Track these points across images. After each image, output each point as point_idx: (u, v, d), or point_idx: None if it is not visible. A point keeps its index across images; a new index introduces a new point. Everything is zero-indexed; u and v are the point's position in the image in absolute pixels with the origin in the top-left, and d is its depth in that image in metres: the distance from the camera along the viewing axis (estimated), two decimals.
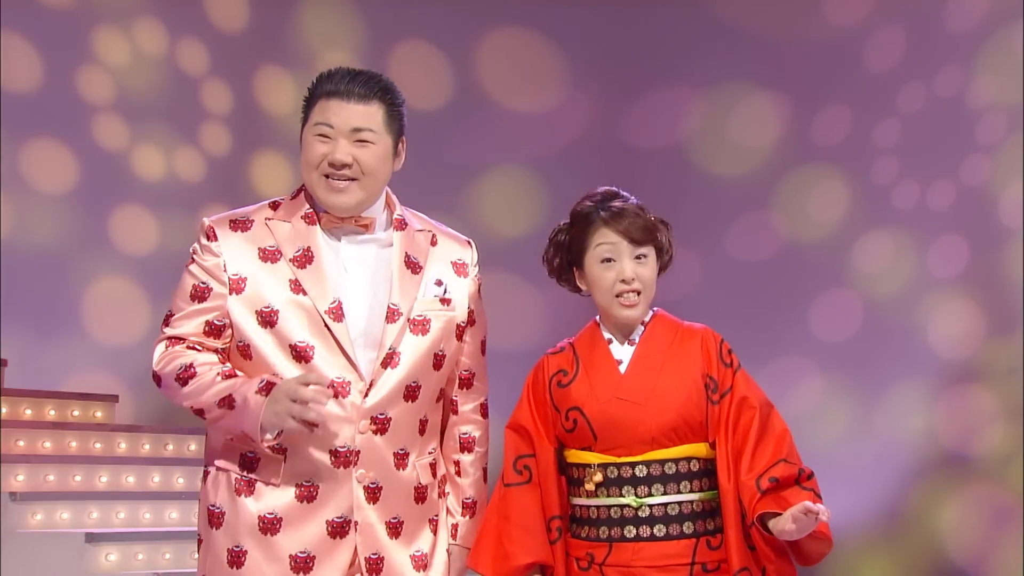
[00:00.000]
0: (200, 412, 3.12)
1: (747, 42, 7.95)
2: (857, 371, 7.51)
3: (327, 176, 3.16)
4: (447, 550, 3.27)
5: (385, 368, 3.14)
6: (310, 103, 3.20)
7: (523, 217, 8.10)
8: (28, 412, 6.18)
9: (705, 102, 8.10)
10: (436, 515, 3.26)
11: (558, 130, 8.20)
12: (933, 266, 7.38)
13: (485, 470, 3.36)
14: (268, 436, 3.03)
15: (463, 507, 3.30)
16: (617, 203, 3.31)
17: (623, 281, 3.27)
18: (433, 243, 3.30)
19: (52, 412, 6.28)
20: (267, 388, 3.02)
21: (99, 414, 6.48)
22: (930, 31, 7.49)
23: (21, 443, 5.92)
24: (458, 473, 3.31)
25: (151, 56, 7.49)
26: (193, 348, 3.15)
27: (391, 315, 3.16)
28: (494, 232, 8.01)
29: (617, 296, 3.28)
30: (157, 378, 3.18)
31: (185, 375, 3.11)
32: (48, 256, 7.05)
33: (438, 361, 3.23)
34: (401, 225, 3.27)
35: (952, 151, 7.32)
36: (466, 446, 3.32)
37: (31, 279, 6.95)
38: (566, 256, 3.37)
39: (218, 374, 3.10)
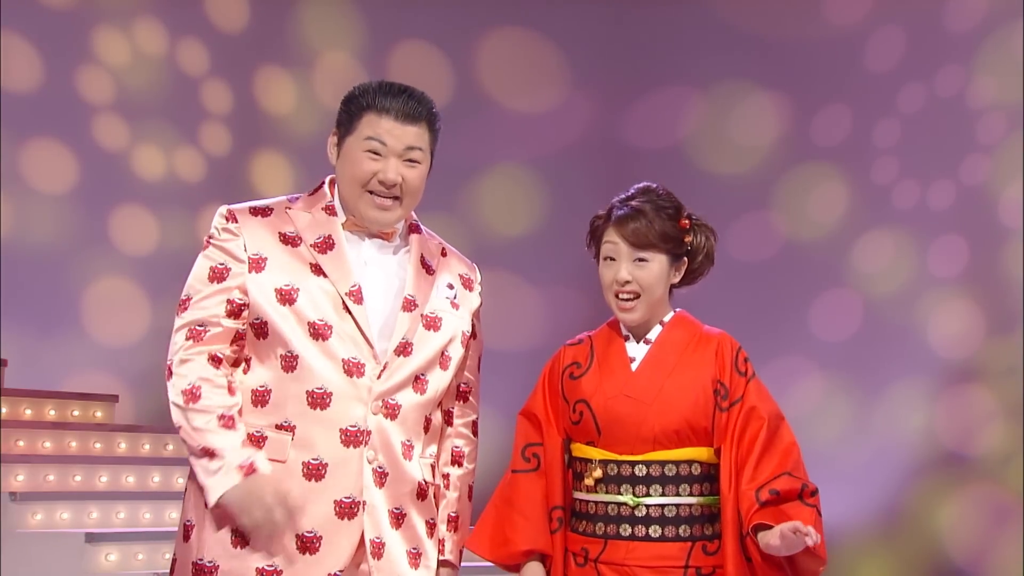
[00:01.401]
0: (178, 428, 3.11)
1: (747, 42, 7.95)
2: (857, 371, 7.51)
3: (371, 192, 3.18)
4: (437, 563, 3.26)
5: (399, 356, 3.16)
6: (355, 113, 3.19)
7: (523, 217, 8.11)
8: (28, 412, 6.18)
9: (705, 102, 8.10)
10: (433, 518, 3.25)
11: (558, 130, 8.20)
12: (933, 266, 7.38)
13: (471, 488, 3.35)
14: (215, 503, 3.06)
15: (448, 521, 3.29)
16: (635, 203, 3.30)
17: (617, 282, 3.29)
18: (443, 254, 3.35)
19: (52, 412, 6.28)
20: (250, 470, 3.03)
21: (99, 414, 6.48)
22: (930, 31, 7.49)
23: (21, 443, 5.92)
24: (446, 487, 3.31)
25: (151, 56, 7.50)
26: (212, 359, 3.12)
27: (407, 305, 3.19)
28: (494, 232, 8.01)
29: (615, 296, 3.30)
30: (169, 369, 3.14)
31: (193, 392, 3.09)
32: (48, 256, 7.05)
33: (445, 362, 3.24)
34: (417, 229, 3.32)
35: (952, 151, 7.32)
36: (456, 459, 3.33)
37: (31, 279, 6.96)
38: (595, 246, 3.38)
39: (219, 417, 3.08)
